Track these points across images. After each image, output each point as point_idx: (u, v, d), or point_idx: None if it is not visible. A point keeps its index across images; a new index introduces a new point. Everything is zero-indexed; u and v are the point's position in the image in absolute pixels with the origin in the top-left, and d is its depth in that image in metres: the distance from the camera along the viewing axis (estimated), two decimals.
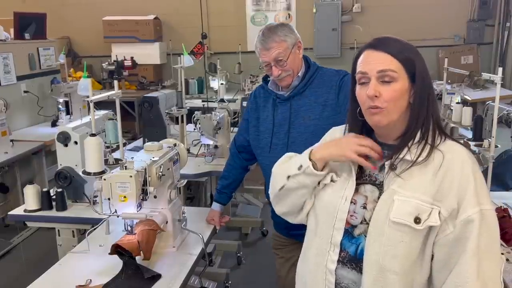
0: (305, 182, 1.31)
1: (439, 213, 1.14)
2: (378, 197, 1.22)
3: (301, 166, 1.30)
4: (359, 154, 1.24)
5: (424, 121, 1.21)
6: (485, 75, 2.71)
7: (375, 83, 1.19)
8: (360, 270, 1.23)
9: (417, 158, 1.18)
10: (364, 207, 1.24)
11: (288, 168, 1.36)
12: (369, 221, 1.21)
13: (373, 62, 1.21)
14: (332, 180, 1.31)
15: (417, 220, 1.14)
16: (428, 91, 1.22)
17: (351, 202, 1.26)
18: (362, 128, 1.32)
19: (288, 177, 1.34)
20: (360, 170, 1.29)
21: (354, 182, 1.27)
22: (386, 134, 1.27)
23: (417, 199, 1.15)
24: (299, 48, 2.00)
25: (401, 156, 1.20)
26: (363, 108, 1.24)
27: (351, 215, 1.26)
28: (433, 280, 1.19)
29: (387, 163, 1.22)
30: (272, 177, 1.44)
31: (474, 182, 1.15)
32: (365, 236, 1.22)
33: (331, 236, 1.27)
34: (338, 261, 1.27)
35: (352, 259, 1.25)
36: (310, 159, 1.29)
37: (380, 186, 1.24)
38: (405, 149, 1.20)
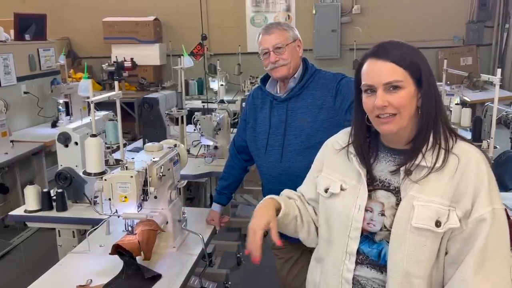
0: None
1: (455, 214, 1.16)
2: (396, 203, 1.23)
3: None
4: None
5: (434, 123, 1.22)
6: (484, 76, 2.73)
7: (382, 94, 1.20)
8: (380, 270, 1.25)
9: (434, 165, 1.19)
10: (382, 214, 1.24)
11: None
12: (390, 227, 1.22)
13: (378, 73, 1.21)
14: (342, 189, 1.31)
15: (437, 224, 1.15)
16: (435, 93, 1.23)
17: (366, 210, 1.26)
18: (367, 132, 1.32)
19: None
20: (370, 175, 1.29)
21: (366, 190, 1.26)
22: (396, 140, 1.27)
23: (436, 203, 1.16)
24: (299, 47, 2.02)
25: (416, 162, 1.20)
26: (371, 116, 1.24)
27: (368, 223, 1.26)
28: (444, 274, 1.21)
29: (402, 169, 1.22)
30: None
31: (488, 182, 1.17)
32: (387, 242, 1.23)
33: (346, 245, 1.28)
34: (357, 263, 1.27)
35: (373, 262, 1.26)
36: None
37: (395, 192, 1.24)
38: (420, 155, 1.20)
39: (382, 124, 1.22)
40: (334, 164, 1.38)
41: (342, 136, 1.40)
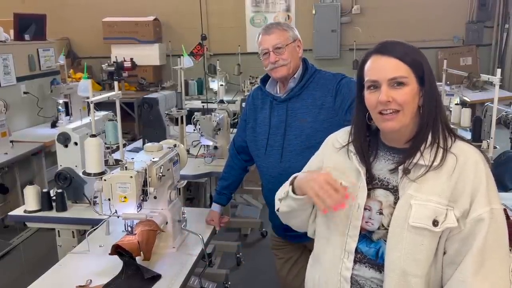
0: (291, 205, 1.36)
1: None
2: (394, 202, 1.23)
3: (287, 191, 1.36)
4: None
5: (433, 123, 1.22)
6: (484, 77, 2.72)
7: (387, 89, 1.20)
8: (378, 269, 1.25)
9: (432, 163, 1.19)
10: (380, 213, 1.24)
11: (280, 192, 1.42)
12: (388, 226, 1.22)
13: (383, 69, 1.21)
14: None
15: (435, 223, 1.15)
16: (436, 94, 1.23)
17: (365, 208, 1.26)
18: (367, 131, 1.32)
19: (280, 200, 1.41)
20: (369, 174, 1.29)
21: (366, 188, 1.26)
22: (396, 139, 1.27)
23: (434, 202, 1.16)
24: (299, 47, 2.02)
25: (414, 160, 1.20)
26: (374, 112, 1.24)
27: (366, 222, 1.26)
28: (442, 275, 1.21)
29: (400, 168, 1.23)
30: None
31: (486, 182, 1.17)
32: (385, 241, 1.23)
33: (345, 243, 1.28)
34: (355, 261, 1.28)
35: (371, 261, 1.26)
36: (291, 184, 1.35)
37: (393, 191, 1.24)
38: (418, 154, 1.21)
39: (384, 121, 1.22)
40: (334, 162, 1.38)
41: (343, 135, 1.40)
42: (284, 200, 1.38)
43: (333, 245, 1.32)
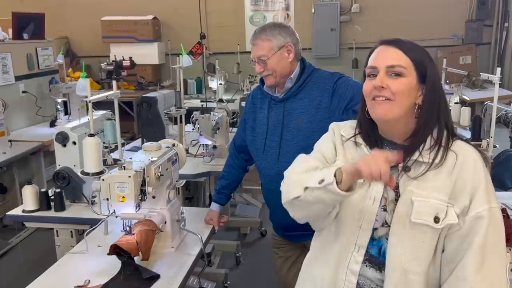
0: (323, 198, 1.18)
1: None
2: (396, 199, 1.23)
3: (322, 180, 1.15)
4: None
5: (435, 126, 1.22)
6: (484, 75, 2.71)
7: (383, 75, 1.21)
8: (379, 269, 1.24)
9: (432, 161, 1.19)
10: (384, 209, 1.24)
11: (307, 179, 1.22)
12: (390, 223, 1.22)
13: (384, 57, 1.23)
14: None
15: (436, 220, 1.16)
16: (439, 97, 1.23)
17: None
18: (370, 126, 1.31)
19: (306, 188, 1.21)
20: None
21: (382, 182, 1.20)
22: (390, 132, 1.27)
23: (435, 199, 1.17)
24: (288, 52, 1.97)
25: (414, 157, 1.20)
26: (368, 99, 1.24)
27: None
28: (441, 273, 1.20)
29: (400, 165, 1.22)
30: (287, 184, 1.33)
31: (485, 180, 1.18)
32: (387, 239, 1.22)
33: (357, 237, 1.26)
34: None
35: (374, 259, 1.26)
36: (335, 176, 1.14)
37: (394, 187, 1.24)
38: (417, 153, 1.20)
39: (376, 106, 1.22)
40: (347, 154, 1.34)
41: (347, 129, 1.38)
42: (316, 190, 1.18)
43: (343, 239, 1.29)
